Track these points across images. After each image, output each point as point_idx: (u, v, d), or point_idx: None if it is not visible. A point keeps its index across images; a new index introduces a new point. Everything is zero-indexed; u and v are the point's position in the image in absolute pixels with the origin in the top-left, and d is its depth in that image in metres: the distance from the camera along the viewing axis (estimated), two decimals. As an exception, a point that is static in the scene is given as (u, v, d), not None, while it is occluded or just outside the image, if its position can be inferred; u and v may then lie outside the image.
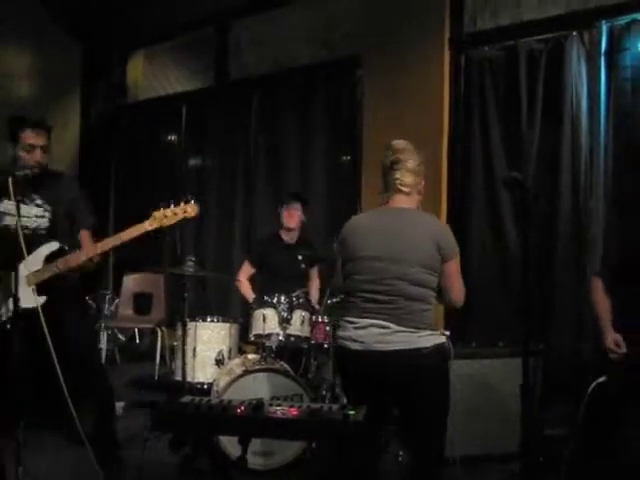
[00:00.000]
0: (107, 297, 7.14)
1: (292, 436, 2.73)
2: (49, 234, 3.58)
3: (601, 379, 3.06)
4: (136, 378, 5.75)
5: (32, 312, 3.24)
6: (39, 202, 3.58)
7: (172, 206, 3.38)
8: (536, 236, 4.44)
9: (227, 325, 4.57)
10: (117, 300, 6.77)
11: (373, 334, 2.67)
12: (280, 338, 4.18)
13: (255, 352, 4.32)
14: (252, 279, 5.10)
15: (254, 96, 6.58)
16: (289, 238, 5.05)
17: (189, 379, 4.27)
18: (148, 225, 3.37)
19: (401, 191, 2.81)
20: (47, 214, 3.59)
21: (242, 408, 2.33)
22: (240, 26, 6.88)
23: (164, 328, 5.83)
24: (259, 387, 3.74)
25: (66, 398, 3.17)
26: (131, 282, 6.57)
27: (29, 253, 3.33)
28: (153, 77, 7.72)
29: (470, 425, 3.70)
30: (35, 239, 3.48)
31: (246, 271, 5.09)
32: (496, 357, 3.96)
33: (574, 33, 4.63)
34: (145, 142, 7.56)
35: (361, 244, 2.77)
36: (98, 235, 3.60)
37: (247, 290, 5.02)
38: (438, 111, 5.18)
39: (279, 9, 6.47)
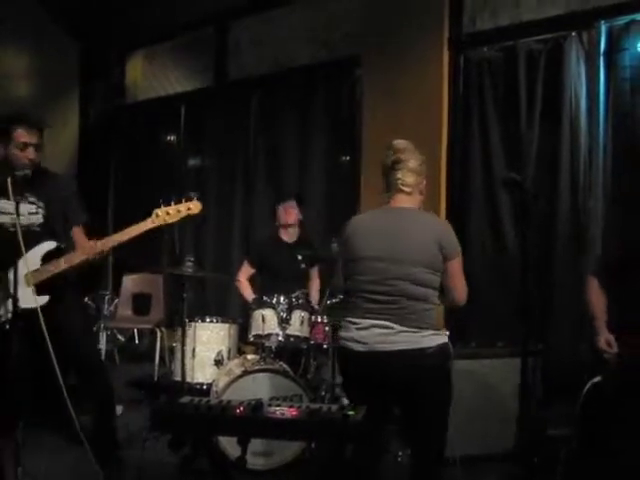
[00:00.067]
0: (106, 297, 7.14)
1: (291, 436, 2.72)
2: (43, 231, 3.54)
3: (596, 379, 3.06)
4: (135, 378, 5.73)
5: (32, 312, 3.21)
6: (32, 199, 3.52)
7: (173, 204, 3.38)
8: (535, 236, 4.43)
9: (226, 325, 4.56)
10: (116, 300, 6.77)
11: (375, 334, 2.66)
12: (279, 338, 4.18)
13: (254, 352, 4.31)
14: (252, 279, 5.10)
15: (253, 96, 6.58)
16: (288, 237, 5.05)
17: (188, 379, 4.27)
18: (151, 222, 3.36)
19: (403, 191, 2.80)
20: (40, 210, 3.54)
21: (241, 408, 2.32)
22: (240, 26, 6.88)
23: (163, 328, 5.81)
24: (258, 387, 3.74)
25: (65, 398, 3.17)
26: (130, 282, 6.56)
27: (25, 251, 3.29)
28: (152, 77, 7.71)
29: (470, 425, 3.70)
30: (29, 236, 3.40)
31: (246, 271, 5.09)
32: (496, 357, 3.97)
33: (573, 33, 4.63)
34: (144, 142, 7.56)
35: (362, 244, 2.76)
36: (96, 234, 3.58)
37: (247, 290, 5.02)
38: (437, 111, 5.18)
39: (279, 9, 6.47)
